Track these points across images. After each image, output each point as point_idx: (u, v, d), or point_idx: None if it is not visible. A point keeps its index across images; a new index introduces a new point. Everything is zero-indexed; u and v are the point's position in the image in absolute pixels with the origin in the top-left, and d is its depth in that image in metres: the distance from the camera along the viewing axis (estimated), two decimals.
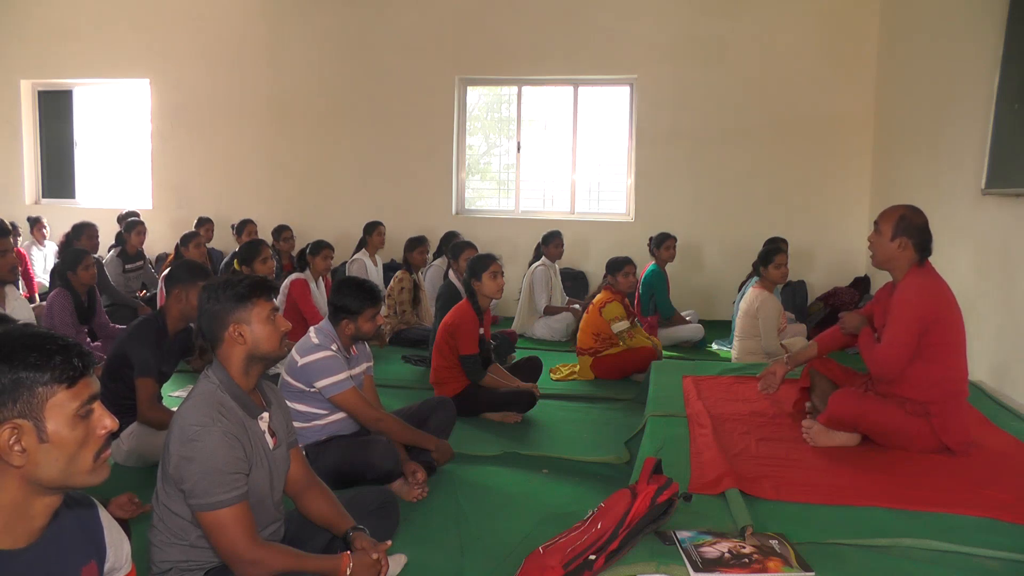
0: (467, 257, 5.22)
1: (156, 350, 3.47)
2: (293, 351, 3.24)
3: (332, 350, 3.18)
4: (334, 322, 3.26)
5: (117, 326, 5.32)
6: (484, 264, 4.34)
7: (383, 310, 6.11)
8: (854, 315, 3.30)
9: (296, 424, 3.15)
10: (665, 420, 3.47)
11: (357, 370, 3.33)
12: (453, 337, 4.26)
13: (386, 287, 6.79)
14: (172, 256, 6.84)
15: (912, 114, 6.26)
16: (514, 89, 8.36)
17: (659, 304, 6.43)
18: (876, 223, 3.05)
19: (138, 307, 6.19)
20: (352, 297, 3.23)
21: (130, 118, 9.18)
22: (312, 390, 3.17)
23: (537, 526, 2.89)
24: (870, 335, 3.15)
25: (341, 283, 3.34)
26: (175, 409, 3.04)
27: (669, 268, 6.59)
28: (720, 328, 6.75)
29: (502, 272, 4.40)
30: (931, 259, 3.06)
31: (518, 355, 5.46)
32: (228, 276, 2.21)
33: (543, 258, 6.85)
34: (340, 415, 3.25)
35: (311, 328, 3.32)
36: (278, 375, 4.52)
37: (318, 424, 3.23)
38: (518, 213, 8.42)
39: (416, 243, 6.49)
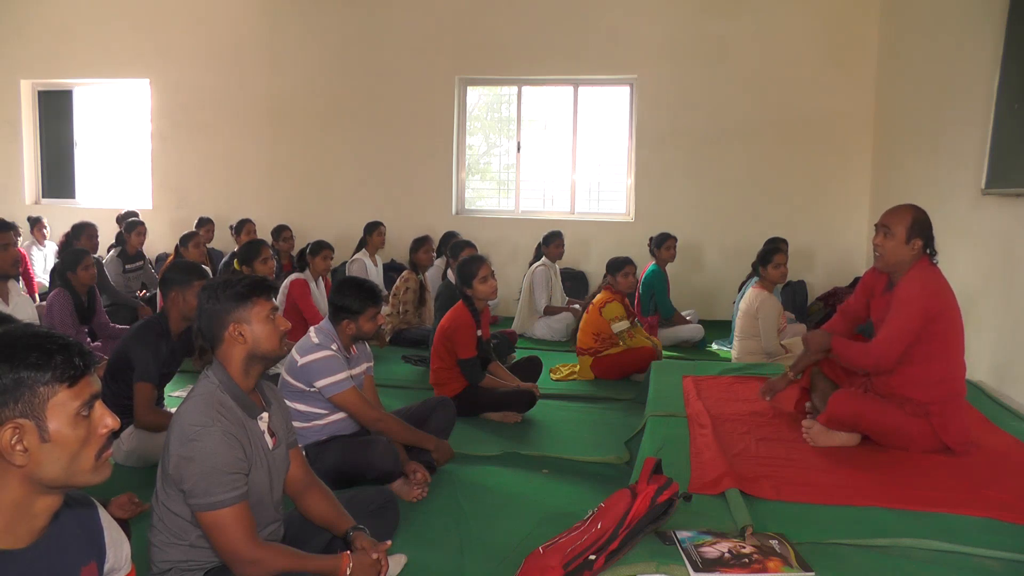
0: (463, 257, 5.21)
1: (157, 353, 3.47)
2: (293, 351, 3.24)
3: (332, 350, 3.18)
4: (335, 322, 3.26)
5: (117, 326, 5.32)
6: (472, 270, 4.31)
7: (385, 309, 6.11)
8: (817, 333, 3.31)
9: (296, 424, 3.15)
10: (665, 420, 3.47)
11: (357, 370, 3.33)
12: (451, 341, 4.25)
13: (386, 287, 6.79)
14: (172, 256, 6.84)
15: (912, 114, 6.26)
16: (514, 89, 8.36)
17: (659, 304, 6.43)
18: (886, 226, 2.98)
19: (138, 307, 6.19)
20: (353, 297, 3.23)
21: (130, 118, 9.17)
22: (312, 390, 3.17)
23: (537, 526, 2.89)
24: (842, 340, 3.16)
25: (342, 283, 3.34)
26: (172, 411, 3.06)
27: (669, 268, 6.59)
28: (720, 328, 6.75)
29: (492, 274, 4.37)
30: None
31: (518, 355, 5.46)
32: (227, 276, 2.21)
33: (543, 258, 6.85)
34: (340, 415, 3.25)
35: (311, 328, 3.32)
36: (278, 375, 4.53)
37: (318, 424, 3.23)
38: (518, 213, 8.42)
39: (420, 243, 6.47)
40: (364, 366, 3.43)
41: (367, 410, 3.20)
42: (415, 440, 3.30)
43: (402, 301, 6.39)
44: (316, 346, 3.19)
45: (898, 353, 2.94)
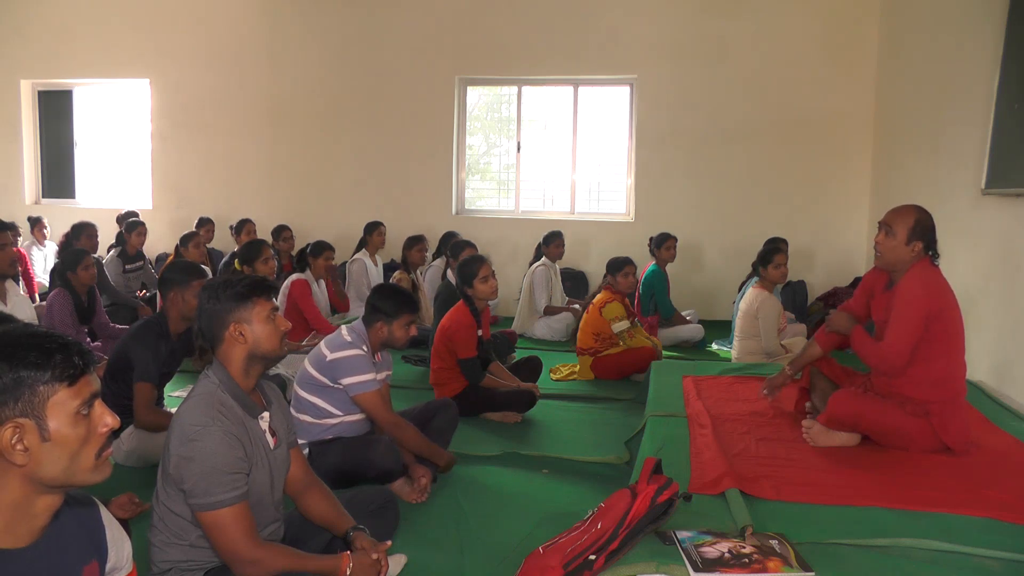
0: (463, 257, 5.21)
1: (157, 353, 3.47)
2: (322, 345, 3.27)
3: (363, 350, 3.21)
4: (368, 323, 3.28)
5: (117, 326, 5.32)
6: (473, 270, 4.32)
7: None
8: (842, 314, 3.29)
9: (306, 418, 3.17)
10: (665, 420, 3.47)
11: (379, 377, 3.33)
12: (451, 341, 4.25)
13: None
14: (172, 256, 6.84)
15: (912, 114, 6.27)
16: (514, 89, 8.36)
17: (659, 304, 6.43)
18: (888, 225, 2.99)
19: (138, 307, 6.19)
20: (391, 300, 3.26)
21: (130, 118, 9.17)
22: (336, 386, 3.18)
23: (537, 526, 2.89)
24: (863, 332, 3.15)
25: (381, 286, 3.41)
26: (172, 411, 3.05)
27: (669, 268, 6.59)
28: (720, 328, 6.75)
29: (492, 274, 4.38)
30: None
31: (518, 355, 5.46)
32: (227, 276, 2.21)
33: (543, 258, 6.86)
34: (351, 418, 3.25)
35: (343, 327, 3.35)
36: (278, 375, 4.53)
37: (328, 423, 3.22)
38: (518, 213, 8.42)
39: (414, 241, 6.49)
40: (384, 374, 3.43)
41: (387, 414, 3.21)
42: (428, 452, 3.28)
43: None
44: (348, 344, 3.21)
45: (907, 354, 2.93)
